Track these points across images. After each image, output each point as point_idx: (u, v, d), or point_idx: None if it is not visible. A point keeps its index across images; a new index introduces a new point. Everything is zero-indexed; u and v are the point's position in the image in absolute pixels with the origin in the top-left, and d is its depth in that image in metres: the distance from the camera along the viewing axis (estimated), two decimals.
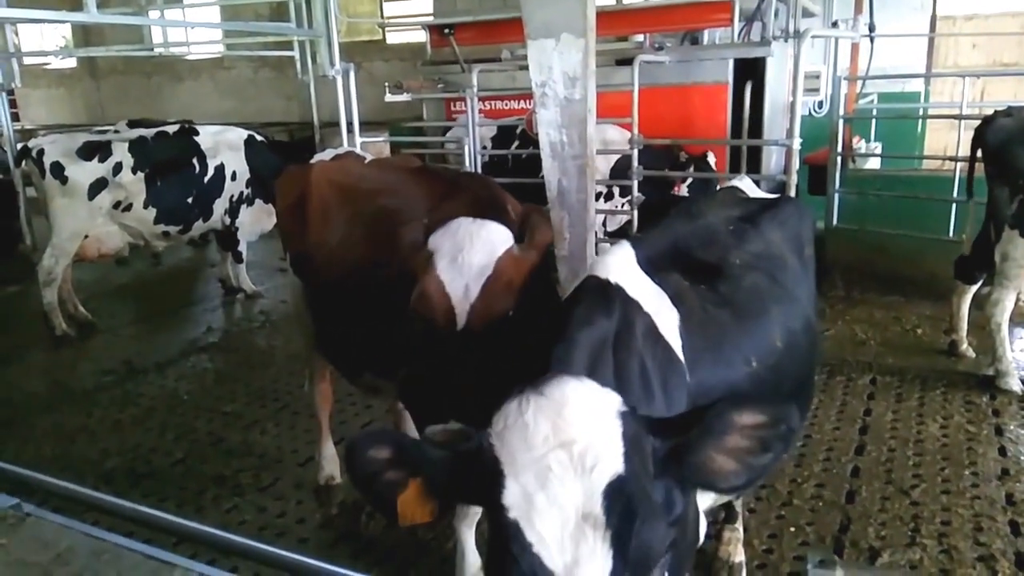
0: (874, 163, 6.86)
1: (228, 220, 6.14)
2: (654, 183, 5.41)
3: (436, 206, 2.33)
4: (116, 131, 6.17)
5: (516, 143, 5.94)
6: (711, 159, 5.57)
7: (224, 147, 6.03)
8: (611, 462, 1.10)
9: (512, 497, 1.10)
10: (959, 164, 5.30)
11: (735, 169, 5.59)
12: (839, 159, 5.95)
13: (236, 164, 6.06)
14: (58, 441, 3.94)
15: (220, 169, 5.98)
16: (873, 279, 5.62)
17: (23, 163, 5.49)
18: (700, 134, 5.66)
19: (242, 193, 6.13)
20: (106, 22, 5.72)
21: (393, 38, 11.91)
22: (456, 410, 1.74)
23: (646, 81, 5.13)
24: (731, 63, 5.59)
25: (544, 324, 1.58)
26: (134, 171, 5.51)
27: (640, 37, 6.44)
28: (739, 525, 2.70)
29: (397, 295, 2.11)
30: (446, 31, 6.64)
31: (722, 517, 2.67)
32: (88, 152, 5.37)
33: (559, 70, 3.12)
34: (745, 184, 2.64)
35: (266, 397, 4.38)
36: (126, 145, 5.54)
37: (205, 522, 2.61)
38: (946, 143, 7.33)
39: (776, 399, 1.53)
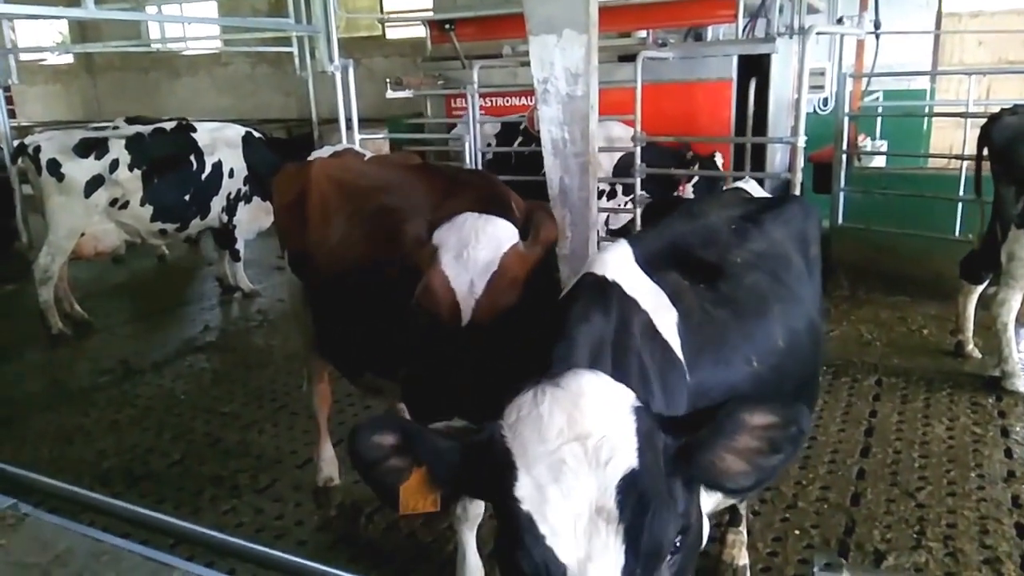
0: (879, 161, 6.81)
1: (225, 218, 6.10)
2: (659, 182, 5.36)
3: (439, 203, 2.31)
4: (116, 127, 6.12)
5: (519, 140, 5.89)
6: (718, 159, 5.52)
7: (222, 144, 5.98)
8: (625, 456, 1.10)
9: (524, 489, 1.09)
10: (965, 162, 5.26)
11: (739, 167, 5.55)
12: (844, 157, 5.90)
13: (234, 161, 6.01)
14: (55, 441, 3.91)
15: (218, 166, 5.93)
16: (878, 279, 5.58)
17: (19, 160, 5.44)
18: (704, 131, 5.61)
19: (240, 191, 6.09)
20: (103, 18, 5.67)
21: (393, 34, 11.86)
22: (458, 410, 1.72)
23: (649, 78, 5.08)
24: (735, 60, 5.54)
25: (545, 321, 1.56)
26: (131, 168, 5.47)
27: (643, 33, 6.41)
28: (743, 528, 2.68)
29: (400, 292, 2.09)
30: (447, 26, 6.60)
31: (726, 520, 2.65)
32: (85, 149, 5.33)
33: (561, 66, 3.08)
34: (750, 186, 2.62)
35: (264, 397, 4.35)
36: (123, 142, 5.51)
37: (202, 523, 2.59)
38: (952, 141, 7.28)
39: (783, 399, 1.50)
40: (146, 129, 5.80)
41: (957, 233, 5.35)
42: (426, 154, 6.30)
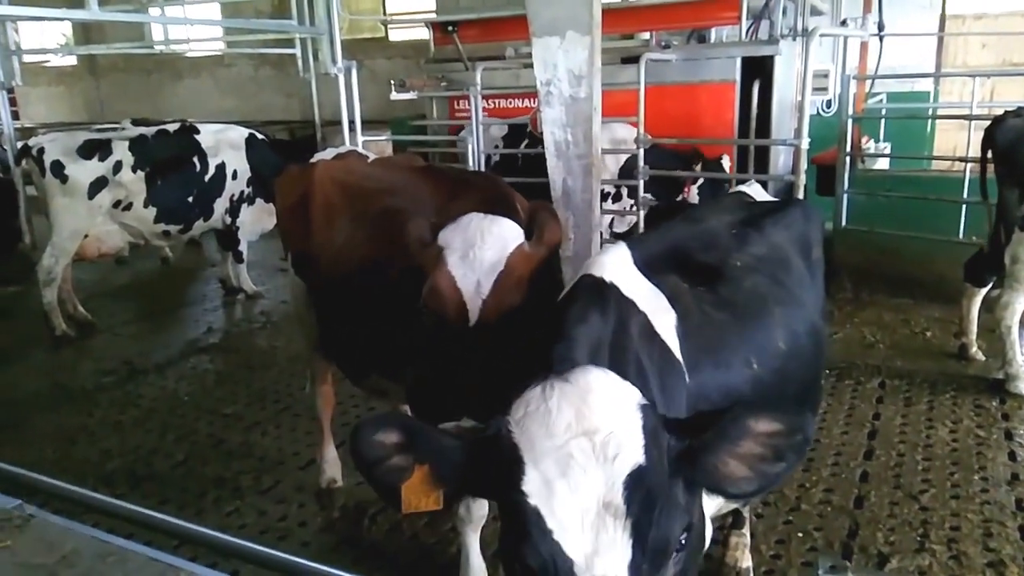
0: (883, 163, 6.81)
1: (229, 219, 6.11)
2: (663, 185, 5.35)
3: (444, 205, 2.31)
4: (122, 128, 6.14)
5: (526, 142, 5.90)
6: (725, 162, 5.51)
7: (225, 146, 6.00)
8: (633, 452, 1.10)
9: (532, 484, 1.09)
10: (969, 165, 5.25)
11: (742, 169, 5.55)
12: (848, 159, 5.89)
13: (237, 163, 6.03)
14: (58, 442, 3.92)
15: (221, 168, 5.95)
16: (882, 281, 5.57)
17: (23, 162, 5.46)
18: (707, 133, 5.61)
19: (243, 192, 6.10)
20: (107, 19, 5.69)
21: (396, 35, 11.87)
22: (465, 410, 1.72)
23: (652, 79, 5.08)
24: (739, 62, 5.54)
25: (545, 322, 1.57)
26: (134, 170, 5.48)
27: (646, 35, 6.41)
28: (746, 530, 2.67)
29: (405, 293, 2.09)
30: (450, 28, 6.61)
31: (729, 522, 2.65)
32: (88, 151, 5.34)
33: (564, 68, 3.09)
34: (753, 189, 2.62)
35: (267, 399, 4.35)
36: (126, 144, 5.52)
37: (206, 525, 2.58)
38: (956, 143, 7.26)
39: (789, 406, 1.50)
40: (149, 131, 5.82)
41: (961, 235, 5.34)
42: (429, 156, 6.31)
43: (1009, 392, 3.96)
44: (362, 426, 1.20)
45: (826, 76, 6.02)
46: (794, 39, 5.65)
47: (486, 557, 2.57)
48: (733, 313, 1.80)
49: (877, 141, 6.93)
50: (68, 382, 4.76)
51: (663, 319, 1.61)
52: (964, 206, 5.36)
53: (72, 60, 14.73)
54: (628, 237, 5.38)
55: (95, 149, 5.37)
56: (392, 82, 6.46)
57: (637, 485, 1.08)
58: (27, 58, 11.35)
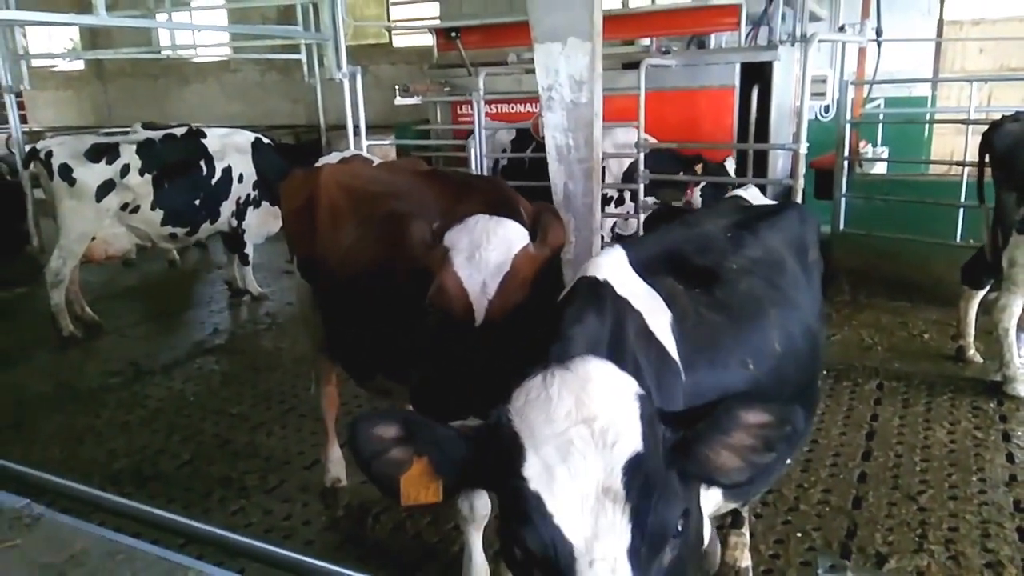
0: (881, 168, 6.84)
1: (235, 222, 6.16)
2: (663, 189, 5.38)
3: (449, 208, 2.34)
4: (133, 132, 6.19)
5: (533, 146, 5.94)
6: (730, 166, 5.55)
7: (231, 150, 6.06)
8: (631, 440, 1.13)
9: (533, 469, 1.12)
10: (966, 169, 5.29)
11: (741, 173, 5.58)
12: (846, 163, 5.94)
13: (243, 167, 6.09)
14: (65, 442, 3.95)
15: (227, 171, 6.00)
16: (880, 284, 5.60)
17: (31, 165, 5.52)
18: (707, 138, 5.65)
19: (249, 195, 6.16)
20: (115, 24, 5.76)
21: (400, 41, 11.95)
22: (469, 409, 1.74)
23: (653, 85, 5.13)
24: (738, 67, 5.59)
25: (544, 322, 1.60)
26: (141, 173, 5.53)
27: (647, 41, 6.45)
28: (745, 530, 2.69)
29: (410, 294, 2.12)
30: (453, 34, 6.67)
31: (728, 522, 2.66)
32: (96, 154, 5.40)
33: (566, 74, 3.14)
34: (750, 193, 2.64)
35: (272, 399, 4.39)
36: (134, 147, 5.57)
37: (211, 523, 2.61)
38: (953, 148, 7.31)
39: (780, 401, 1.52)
40: (157, 135, 5.87)
41: (958, 239, 5.37)
42: (433, 160, 6.36)
43: (1007, 394, 3.99)
44: (361, 420, 1.22)
45: (824, 81, 6.07)
46: (793, 45, 5.69)
47: (489, 556, 2.60)
48: (729, 315, 1.82)
49: (875, 145, 6.97)
50: (75, 383, 4.80)
51: (659, 320, 1.63)
52: (961, 210, 5.40)
53: (80, 65, 14.83)
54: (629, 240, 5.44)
55: (103, 152, 5.42)
56: (396, 87, 6.53)
57: (635, 471, 1.11)
58: (35, 62, 11.43)
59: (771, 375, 1.84)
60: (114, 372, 4.92)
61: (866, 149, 6.77)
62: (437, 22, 9.08)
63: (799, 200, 4.53)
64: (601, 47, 3.12)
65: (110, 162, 5.44)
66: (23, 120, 7.01)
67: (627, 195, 5.68)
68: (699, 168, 5.31)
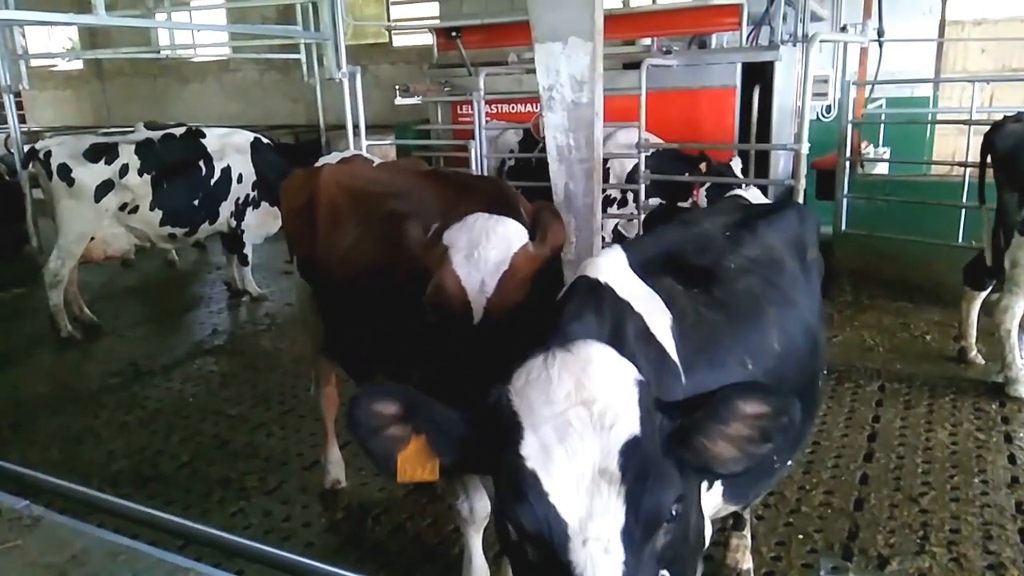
0: (882, 168, 6.84)
1: (234, 222, 6.15)
2: (669, 190, 5.37)
3: (449, 208, 2.32)
4: (135, 131, 6.18)
5: (540, 146, 5.93)
6: (736, 166, 5.53)
7: (230, 150, 6.05)
8: (629, 423, 1.14)
9: (530, 448, 1.13)
10: (968, 169, 5.28)
11: (746, 173, 5.57)
12: (847, 164, 5.93)
13: (242, 167, 6.08)
14: (64, 443, 3.94)
15: (226, 171, 6.00)
16: (881, 285, 5.60)
17: (30, 165, 5.52)
18: (708, 138, 5.65)
19: (248, 196, 6.15)
20: (114, 24, 5.75)
21: (399, 41, 11.94)
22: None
23: (654, 85, 5.12)
24: (739, 67, 5.58)
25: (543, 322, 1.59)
26: (140, 173, 5.53)
27: (648, 41, 6.44)
28: (747, 532, 2.69)
29: (409, 294, 2.11)
30: (453, 34, 6.66)
31: (730, 524, 2.66)
32: (95, 154, 5.39)
33: (566, 74, 3.13)
34: (750, 193, 2.64)
35: (272, 400, 4.38)
36: (132, 147, 5.57)
37: (211, 525, 2.60)
38: (955, 148, 7.30)
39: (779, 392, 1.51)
40: (156, 135, 5.87)
41: (960, 239, 5.36)
42: (433, 160, 6.35)
43: (1008, 395, 3.98)
44: (361, 396, 1.22)
45: (826, 81, 6.07)
46: (794, 45, 5.68)
47: (489, 558, 2.59)
48: (727, 314, 1.81)
49: (876, 146, 6.96)
50: (74, 383, 4.80)
51: (658, 320, 1.63)
52: (963, 210, 5.39)
53: (79, 64, 14.82)
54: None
55: (101, 152, 5.42)
56: (396, 87, 6.52)
57: (632, 454, 1.11)
58: (34, 62, 11.45)
59: (770, 375, 1.83)
60: (113, 373, 4.91)
61: (868, 150, 6.76)
62: (437, 22, 9.07)
63: (800, 200, 4.51)
64: (602, 47, 3.11)
65: (109, 162, 5.43)
66: (22, 120, 6.99)
67: (630, 196, 5.67)
68: (703, 167, 5.30)
